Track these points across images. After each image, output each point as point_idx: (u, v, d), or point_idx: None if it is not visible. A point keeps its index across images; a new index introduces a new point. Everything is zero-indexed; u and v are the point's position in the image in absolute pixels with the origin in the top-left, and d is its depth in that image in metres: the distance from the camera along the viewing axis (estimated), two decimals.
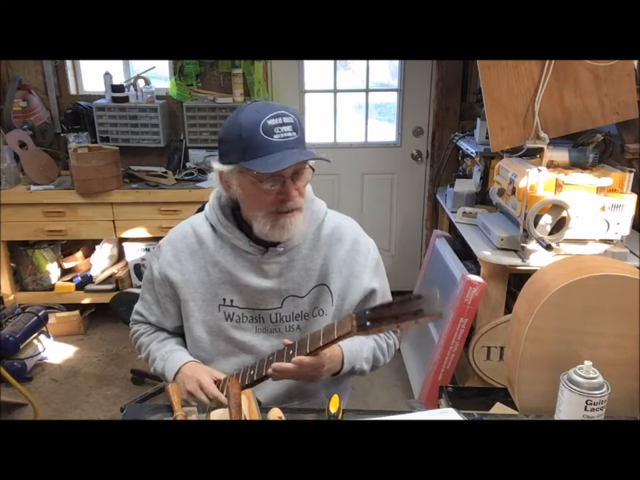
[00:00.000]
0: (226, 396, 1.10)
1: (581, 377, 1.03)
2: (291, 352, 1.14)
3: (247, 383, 1.18)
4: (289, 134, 1.08)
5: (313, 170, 1.20)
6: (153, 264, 1.33)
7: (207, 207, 1.32)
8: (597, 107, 2.11)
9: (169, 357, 1.29)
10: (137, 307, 1.40)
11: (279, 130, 1.07)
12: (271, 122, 1.07)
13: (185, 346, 1.36)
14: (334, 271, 1.28)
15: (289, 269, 1.26)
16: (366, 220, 3.44)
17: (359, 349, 1.29)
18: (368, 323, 0.99)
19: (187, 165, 3.21)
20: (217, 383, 1.21)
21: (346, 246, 1.30)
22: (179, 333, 1.37)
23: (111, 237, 3.16)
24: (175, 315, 1.34)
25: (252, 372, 1.19)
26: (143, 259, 3.18)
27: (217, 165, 1.20)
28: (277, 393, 1.29)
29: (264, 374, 1.16)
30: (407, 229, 3.60)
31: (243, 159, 1.11)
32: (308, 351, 1.11)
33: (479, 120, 2.65)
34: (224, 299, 1.27)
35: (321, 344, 1.08)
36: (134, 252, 3.20)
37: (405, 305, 0.97)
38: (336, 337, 1.05)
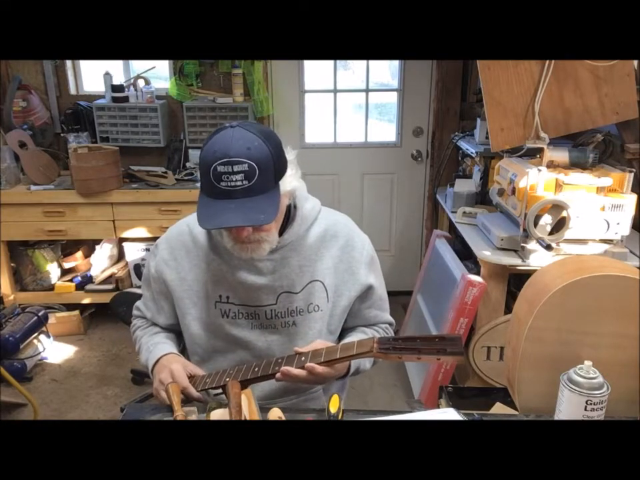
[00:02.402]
0: (226, 396, 1.10)
1: (581, 377, 1.03)
2: (302, 359, 1.15)
3: (248, 377, 1.18)
4: (238, 182, 1.07)
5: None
6: (151, 262, 1.35)
7: None
8: (596, 106, 2.11)
9: (154, 348, 1.31)
10: (137, 302, 1.44)
11: (227, 178, 1.07)
12: (220, 168, 1.06)
13: (177, 342, 1.38)
14: (328, 267, 1.29)
15: (283, 266, 1.27)
16: (366, 220, 3.45)
17: None
18: (390, 348, 1.06)
19: (187, 165, 3.22)
20: (191, 378, 1.22)
21: (340, 242, 1.31)
22: (172, 330, 1.39)
23: (111, 237, 3.17)
24: (168, 313, 1.36)
25: (257, 369, 1.19)
26: (143, 259, 3.18)
27: None
28: (273, 389, 1.30)
29: (270, 372, 1.16)
30: (407, 229, 3.60)
31: (200, 190, 1.14)
32: (322, 360, 1.13)
33: (478, 120, 2.65)
34: (220, 296, 1.29)
35: (338, 356, 1.12)
36: (134, 252, 3.20)
37: (428, 341, 1.03)
38: (355, 353, 1.10)
